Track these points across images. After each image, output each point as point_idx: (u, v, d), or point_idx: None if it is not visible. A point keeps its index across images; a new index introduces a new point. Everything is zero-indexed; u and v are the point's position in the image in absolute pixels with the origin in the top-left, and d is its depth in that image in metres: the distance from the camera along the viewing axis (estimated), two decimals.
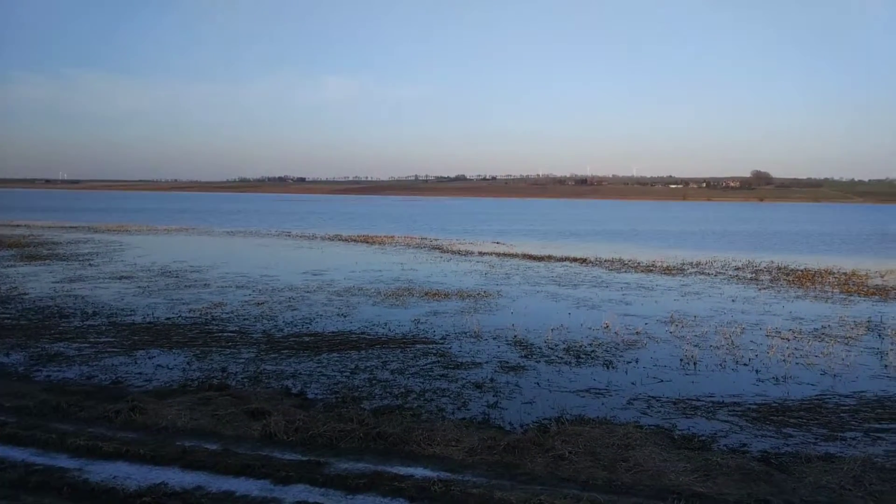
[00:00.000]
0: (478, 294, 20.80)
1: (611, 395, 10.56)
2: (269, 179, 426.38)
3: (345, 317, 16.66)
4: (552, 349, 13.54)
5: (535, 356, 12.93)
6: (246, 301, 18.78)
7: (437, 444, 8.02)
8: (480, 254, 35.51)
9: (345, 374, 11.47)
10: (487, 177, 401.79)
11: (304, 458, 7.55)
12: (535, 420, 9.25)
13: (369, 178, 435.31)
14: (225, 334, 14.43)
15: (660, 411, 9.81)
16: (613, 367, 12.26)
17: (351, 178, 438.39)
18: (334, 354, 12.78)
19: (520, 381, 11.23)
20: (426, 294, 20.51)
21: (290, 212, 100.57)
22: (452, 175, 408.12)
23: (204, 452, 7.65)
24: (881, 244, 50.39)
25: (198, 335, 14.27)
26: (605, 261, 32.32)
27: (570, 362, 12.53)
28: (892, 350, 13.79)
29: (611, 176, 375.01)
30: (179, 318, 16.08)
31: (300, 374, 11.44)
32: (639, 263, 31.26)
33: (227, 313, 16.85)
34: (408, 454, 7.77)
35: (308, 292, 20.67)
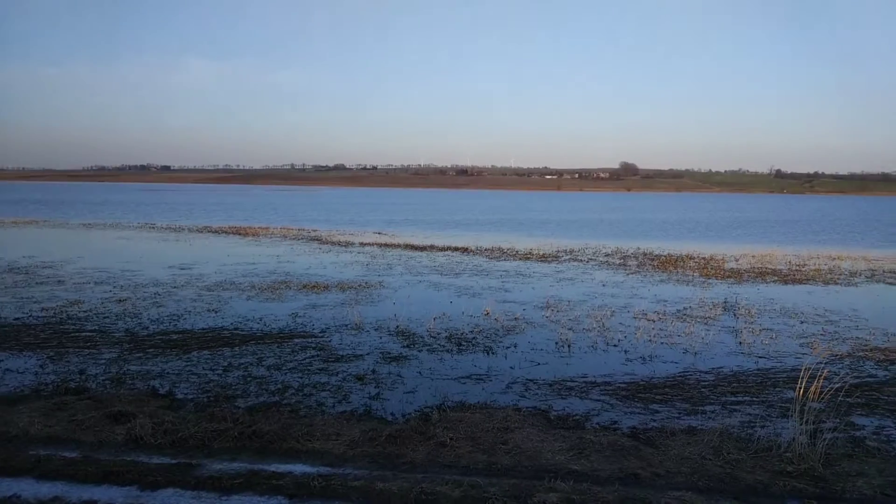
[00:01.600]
0: (359, 285, 20.67)
1: (491, 381, 10.85)
2: (130, 167, 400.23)
3: (216, 312, 16.01)
4: (434, 338, 13.71)
5: (417, 345, 13.04)
6: (106, 298, 17.58)
7: (316, 438, 7.92)
8: (362, 244, 35.29)
9: (217, 372, 11.04)
10: (368, 166, 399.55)
11: (174, 461, 7.21)
12: (417, 409, 9.34)
13: (241, 167, 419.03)
14: (83, 334, 13.44)
15: (537, 393, 10.21)
16: (493, 353, 12.61)
17: (221, 167, 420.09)
18: (205, 352, 12.26)
19: (402, 371, 11.29)
20: (304, 287, 20.12)
21: (157, 202, 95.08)
22: (331, 164, 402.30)
23: (61, 461, 7.11)
24: (737, 230, 55.00)
25: (52, 336, 13.20)
26: (486, 249, 33.11)
27: (451, 350, 12.75)
28: (745, 328, 15.11)
29: (490, 167, 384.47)
30: (30, 318, 14.80)
31: (168, 373, 10.88)
32: (517, 252, 32.30)
33: (85, 311, 15.70)
34: (286, 451, 7.61)
35: (175, 287, 19.68)
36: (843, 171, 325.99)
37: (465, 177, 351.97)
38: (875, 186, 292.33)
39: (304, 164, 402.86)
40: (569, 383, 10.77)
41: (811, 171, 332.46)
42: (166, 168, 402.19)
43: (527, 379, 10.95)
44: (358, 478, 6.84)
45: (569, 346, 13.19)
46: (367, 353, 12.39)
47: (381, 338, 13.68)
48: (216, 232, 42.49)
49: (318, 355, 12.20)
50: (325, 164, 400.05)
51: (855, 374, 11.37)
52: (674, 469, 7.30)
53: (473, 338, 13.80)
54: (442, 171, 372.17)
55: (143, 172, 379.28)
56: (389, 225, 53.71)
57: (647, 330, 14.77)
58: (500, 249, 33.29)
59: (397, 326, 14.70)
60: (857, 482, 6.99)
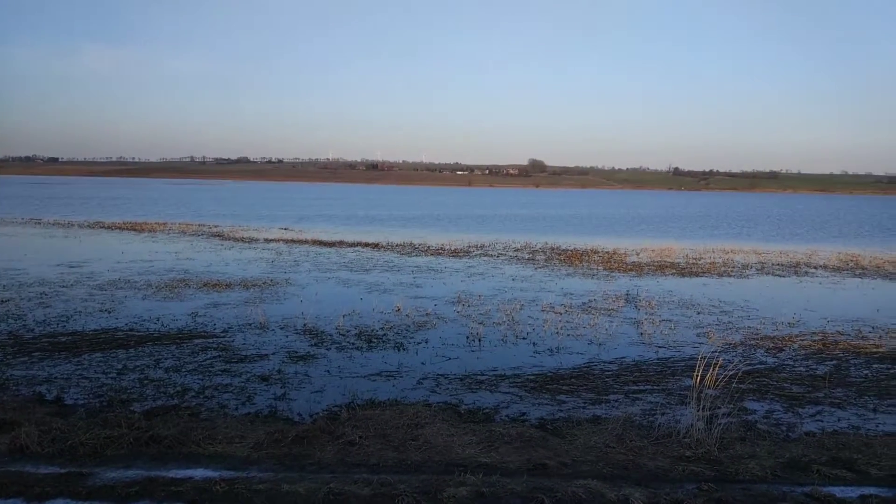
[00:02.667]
0: (264, 283, 20.15)
1: (402, 377, 10.84)
2: (13, 159, 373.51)
3: (109, 312, 15.20)
4: (343, 335, 13.55)
5: (325, 344, 12.85)
6: None
7: (219, 442, 7.66)
8: (267, 241, 34.42)
9: (110, 375, 10.47)
10: (273, 159, 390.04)
11: (64, 471, 6.78)
12: (325, 408, 9.21)
13: (137, 160, 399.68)
14: None
15: (448, 388, 10.29)
16: (404, 349, 12.60)
17: (115, 159, 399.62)
18: (97, 354, 11.60)
19: (309, 370, 11.10)
20: (205, 285, 19.42)
21: (45, 196, 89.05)
22: (234, 157, 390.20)
23: None
24: (639, 226, 57.38)
25: None
26: (397, 245, 33.06)
27: (361, 347, 12.64)
28: (646, 319, 15.79)
29: (401, 161, 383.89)
30: None
31: (56, 378, 10.23)
32: (429, 247, 32.43)
33: None
34: (186, 456, 7.32)
35: (64, 287, 18.53)
36: (736, 170, 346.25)
37: (375, 171, 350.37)
38: (764, 183, 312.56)
39: (204, 157, 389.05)
40: (479, 377, 10.91)
41: (707, 170, 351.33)
42: (54, 160, 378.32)
43: (438, 374, 11.01)
44: (263, 480, 6.66)
45: (479, 341, 13.36)
46: (273, 353, 12.09)
47: (287, 336, 13.39)
48: (109, 228, 40.33)
49: (220, 356, 11.80)
50: (227, 157, 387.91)
51: (747, 362, 12.10)
52: (580, 458, 7.53)
53: (384, 334, 13.74)
54: (351, 166, 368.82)
55: (27, 164, 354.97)
56: (297, 221, 52.68)
57: (555, 322, 15.17)
58: (411, 245, 33.32)
59: (304, 325, 14.44)
60: (749, 464, 7.43)
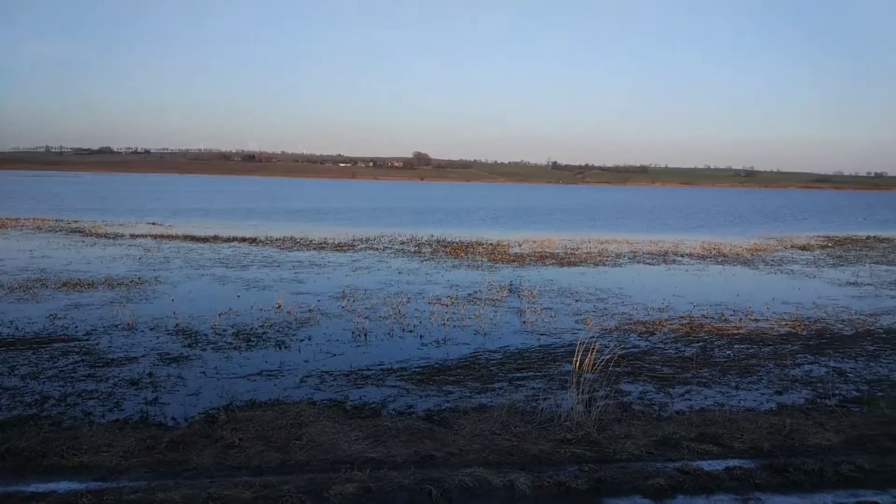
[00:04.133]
0: (130, 282, 19.04)
1: (284, 376, 10.61)
2: None
3: None
4: (220, 335, 13.07)
5: (200, 344, 12.34)
6: None
7: (84, 452, 7.18)
8: (133, 236, 32.51)
9: None
10: (139, 149, 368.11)
11: None
12: (201, 411, 8.85)
13: None
14: None
15: (333, 385, 10.18)
16: (286, 347, 12.33)
17: None
18: None
19: (183, 372, 10.62)
20: (64, 285, 18.09)
21: None
22: (95, 147, 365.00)
23: None
24: (521, 217, 59.11)
25: None
26: (277, 240, 32.21)
27: (239, 347, 12.24)
28: (528, 308, 16.32)
29: (280, 153, 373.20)
30: None
31: None
32: (311, 241, 31.84)
33: None
34: (48, 468, 6.81)
35: None
36: (610, 164, 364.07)
37: (252, 163, 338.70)
38: (635, 177, 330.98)
39: (61, 147, 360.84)
40: (365, 372, 10.87)
41: (583, 164, 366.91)
42: None
43: (322, 371, 10.87)
44: (135, 490, 6.32)
45: (365, 335, 13.30)
46: (143, 356, 11.47)
47: (158, 338, 12.74)
48: None
49: (83, 360, 11.05)
50: (87, 147, 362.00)
51: (622, 346, 12.81)
52: (466, 447, 7.69)
53: (264, 332, 13.38)
54: (226, 157, 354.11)
55: None
56: (169, 216, 50.09)
57: (441, 314, 15.36)
58: (292, 239, 32.57)
59: (177, 325, 13.79)
60: (626, 444, 7.88)
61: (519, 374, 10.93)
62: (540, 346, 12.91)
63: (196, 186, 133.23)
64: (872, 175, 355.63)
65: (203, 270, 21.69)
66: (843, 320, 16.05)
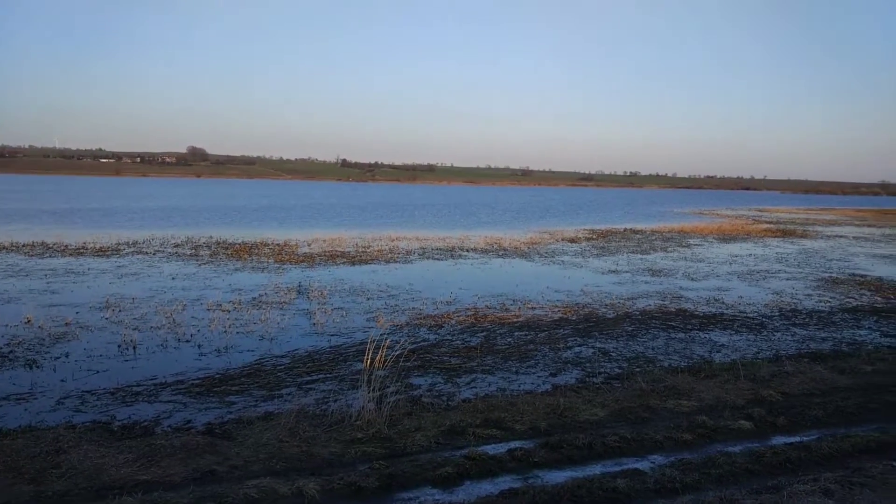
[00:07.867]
0: None
1: (36, 399, 9.47)
2: None
3: None
4: None
5: None
6: None
7: None
8: None
9: None
10: None
11: None
12: None
13: None
14: None
15: (96, 405, 9.27)
16: (39, 367, 11.01)
17: None
18: None
19: None
20: None
21: None
22: None
23: None
24: (310, 215, 58.24)
25: None
26: (24, 245, 28.60)
27: None
28: (318, 309, 16.13)
29: (27, 147, 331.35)
30: None
31: None
32: (67, 246, 28.70)
33: None
34: None
35: None
36: (398, 162, 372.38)
37: None
38: (423, 175, 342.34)
39: None
40: (135, 388, 10.04)
41: (372, 161, 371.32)
42: None
43: (83, 391, 9.86)
44: None
45: (134, 348, 12.29)
46: None
47: None
48: None
49: None
50: None
51: (412, 340, 13.14)
52: (251, 458, 7.40)
53: (10, 352, 11.83)
54: None
55: None
56: None
57: (222, 321, 14.66)
58: (43, 244, 29.11)
59: None
60: (416, 437, 8.08)
61: (309, 378, 10.76)
62: (331, 346, 12.82)
63: None
64: (628, 174, 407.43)
65: None
66: (606, 304, 17.90)
